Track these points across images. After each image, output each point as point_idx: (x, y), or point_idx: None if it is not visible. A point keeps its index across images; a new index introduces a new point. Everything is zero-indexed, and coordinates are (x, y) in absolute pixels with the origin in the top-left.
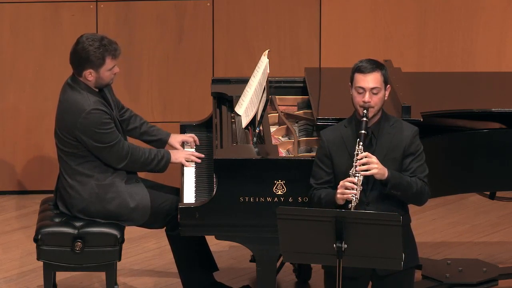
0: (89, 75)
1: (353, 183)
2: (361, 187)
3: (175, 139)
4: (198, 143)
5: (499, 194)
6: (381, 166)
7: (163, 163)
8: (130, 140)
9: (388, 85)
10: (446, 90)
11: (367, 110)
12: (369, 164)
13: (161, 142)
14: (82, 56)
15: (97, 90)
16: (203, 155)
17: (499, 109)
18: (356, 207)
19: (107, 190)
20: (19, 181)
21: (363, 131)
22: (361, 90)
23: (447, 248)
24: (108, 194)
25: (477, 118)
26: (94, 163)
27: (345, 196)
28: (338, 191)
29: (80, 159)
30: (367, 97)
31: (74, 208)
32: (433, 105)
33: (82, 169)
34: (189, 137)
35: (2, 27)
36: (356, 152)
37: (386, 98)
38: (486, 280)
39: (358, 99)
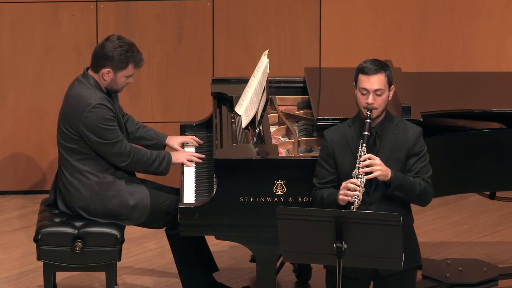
0: (106, 75)
1: (356, 185)
2: (364, 189)
3: (175, 140)
4: (198, 144)
5: (499, 194)
6: (384, 167)
7: (164, 165)
8: None
9: (392, 86)
10: (446, 90)
11: (371, 112)
12: (372, 166)
13: (158, 145)
14: (108, 54)
15: (105, 91)
16: (203, 155)
17: (499, 109)
18: (358, 209)
19: (107, 188)
20: (19, 181)
21: (366, 133)
22: (364, 92)
23: (447, 248)
24: (108, 192)
25: (477, 118)
26: (94, 161)
27: (347, 197)
28: (341, 192)
29: (79, 155)
30: (370, 99)
31: (74, 206)
32: (433, 105)
33: (81, 165)
34: (189, 138)
35: (2, 27)
36: (359, 153)
37: (390, 98)
38: (486, 280)
39: (362, 100)
